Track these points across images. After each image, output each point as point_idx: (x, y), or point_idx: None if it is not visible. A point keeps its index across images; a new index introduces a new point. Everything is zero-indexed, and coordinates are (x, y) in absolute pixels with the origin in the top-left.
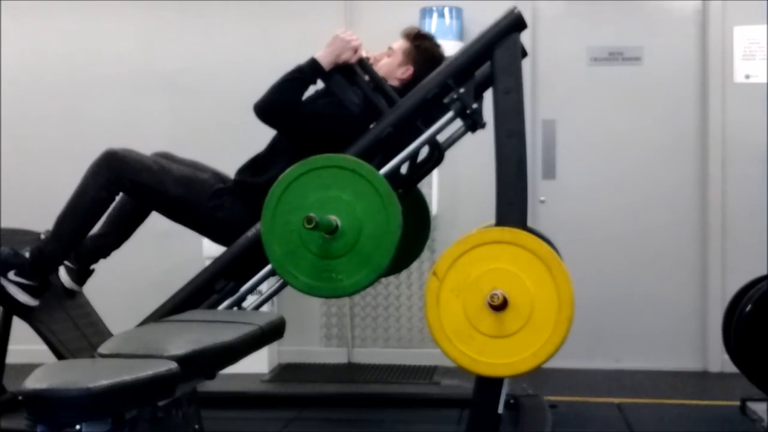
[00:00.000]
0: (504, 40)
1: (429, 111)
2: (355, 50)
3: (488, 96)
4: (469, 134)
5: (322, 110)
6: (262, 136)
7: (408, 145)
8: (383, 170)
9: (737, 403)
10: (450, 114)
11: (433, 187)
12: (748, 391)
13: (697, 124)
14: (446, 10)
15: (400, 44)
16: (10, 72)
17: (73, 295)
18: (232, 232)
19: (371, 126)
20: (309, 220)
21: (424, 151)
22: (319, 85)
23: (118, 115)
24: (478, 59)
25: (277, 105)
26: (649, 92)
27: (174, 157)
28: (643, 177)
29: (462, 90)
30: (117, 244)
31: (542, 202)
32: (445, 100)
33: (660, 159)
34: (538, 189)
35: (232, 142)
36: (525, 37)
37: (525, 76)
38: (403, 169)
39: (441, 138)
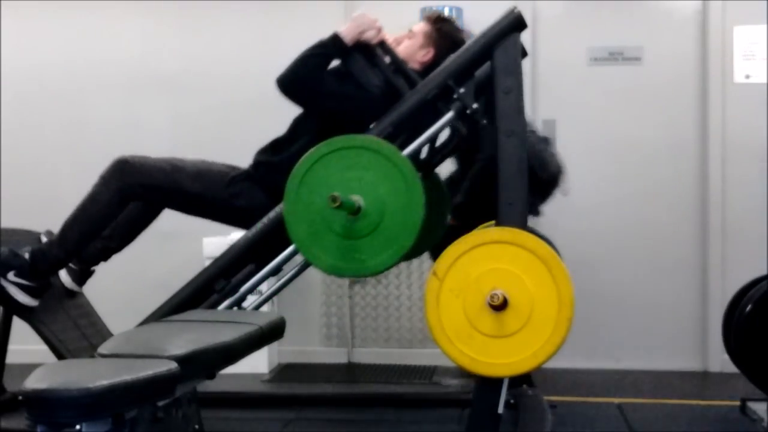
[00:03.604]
0: (504, 40)
1: (451, 92)
2: (378, 30)
3: None
4: None
5: (343, 91)
6: (263, 135)
7: (429, 126)
8: (405, 151)
9: (737, 403)
10: (450, 114)
11: None
12: (748, 391)
13: (697, 124)
14: (446, 10)
15: (420, 27)
16: (10, 73)
17: (73, 296)
18: (253, 218)
19: (392, 107)
20: (334, 199)
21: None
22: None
23: (119, 116)
24: (478, 59)
25: (299, 80)
26: (649, 92)
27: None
28: (643, 177)
29: (462, 90)
30: (119, 247)
31: None
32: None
33: (660, 159)
34: None
35: (233, 143)
36: (525, 37)
37: (525, 76)
38: (423, 153)
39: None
